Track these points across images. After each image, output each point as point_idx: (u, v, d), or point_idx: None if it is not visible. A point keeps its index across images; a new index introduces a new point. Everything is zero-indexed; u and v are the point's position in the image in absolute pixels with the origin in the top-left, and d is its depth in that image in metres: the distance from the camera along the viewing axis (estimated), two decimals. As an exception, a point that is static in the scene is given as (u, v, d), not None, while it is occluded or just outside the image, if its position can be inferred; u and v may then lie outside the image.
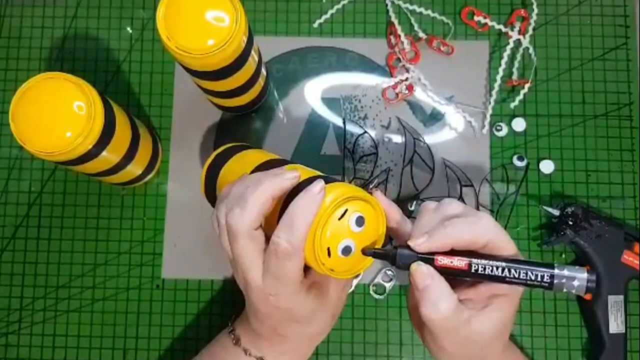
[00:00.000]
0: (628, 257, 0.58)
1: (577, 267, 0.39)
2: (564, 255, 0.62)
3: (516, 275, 0.39)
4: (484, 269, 0.40)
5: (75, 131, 0.48)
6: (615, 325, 0.58)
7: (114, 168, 0.55)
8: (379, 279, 0.61)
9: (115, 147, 0.52)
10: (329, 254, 0.41)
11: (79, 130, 0.48)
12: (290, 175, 0.43)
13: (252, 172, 0.48)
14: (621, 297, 0.58)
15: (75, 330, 0.61)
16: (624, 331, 0.58)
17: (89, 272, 0.62)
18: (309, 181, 0.42)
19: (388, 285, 0.61)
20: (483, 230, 0.40)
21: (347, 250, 0.41)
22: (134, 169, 0.59)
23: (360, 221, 0.41)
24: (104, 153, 0.51)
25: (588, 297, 0.59)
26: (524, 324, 0.60)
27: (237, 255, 0.43)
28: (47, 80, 0.49)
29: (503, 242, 0.41)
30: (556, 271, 0.39)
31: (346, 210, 0.41)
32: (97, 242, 0.63)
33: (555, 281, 0.39)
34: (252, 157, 0.53)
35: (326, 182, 0.42)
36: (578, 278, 0.39)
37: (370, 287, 0.61)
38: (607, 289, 0.58)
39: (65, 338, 0.61)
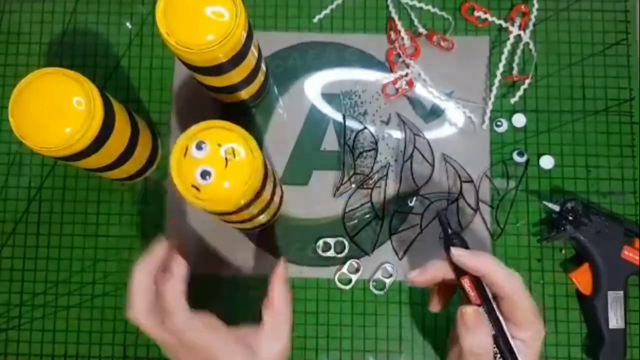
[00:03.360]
0: (628, 253, 0.58)
1: None
2: (564, 251, 0.62)
3: None
4: None
5: (75, 127, 0.48)
6: (615, 320, 0.58)
7: (113, 163, 0.55)
8: (378, 275, 0.61)
9: (114, 143, 0.52)
10: (199, 189, 0.45)
11: (78, 126, 0.48)
12: (155, 253, 0.49)
13: None
14: (621, 292, 0.58)
15: (75, 325, 0.61)
16: (623, 327, 0.58)
17: (89, 268, 0.62)
18: None
19: (388, 281, 0.61)
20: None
21: (206, 175, 0.45)
22: (134, 164, 0.59)
23: (200, 145, 0.45)
24: (103, 148, 0.51)
25: (588, 292, 0.59)
26: (523, 319, 0.60)
27: (160, 340, 0.46)
28: (46, 75, 0.49)
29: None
30: None
31: (188, 146, 0.46)
32: (97, 238, 0.63)
33: None
34: None
35: None
36: None
37: (370, 282, 0.61)
38: (607, 285, 0.58)
39: (66, 333, 0.61)
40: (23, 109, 0.48)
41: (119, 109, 0.53)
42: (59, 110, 0.48)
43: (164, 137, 0.64)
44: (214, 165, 0.46)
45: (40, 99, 0.48)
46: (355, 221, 0.62)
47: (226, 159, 0.46)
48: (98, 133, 0.49)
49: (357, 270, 0.61)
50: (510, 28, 0.64)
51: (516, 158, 0.63)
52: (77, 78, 0.49)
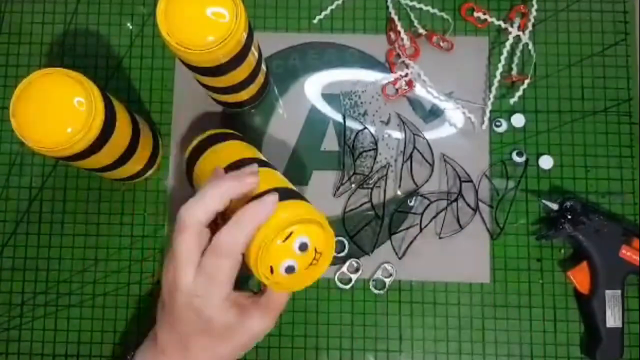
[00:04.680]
0: (626, 252, 0.58)
1: None
2: (562, 250, 0.62)
3: None
4: None
5: (76, 127, 0.48)
6: (612, 319, 0.58)
7: (114, 163, 0.55)
8: (378, 275, 0.62)
9: (115, 143, 0.53)
10: (272, 271, 0.44)
11: (79, 126, 0.48)
12: (248, 180, 0.44)
13: (225, 168, 0.50)
14: (618, 291, 0.58)
15: (76, 325, 0.62)
16: (620, 326, 0.58)
17: (90, 267, 0.62)
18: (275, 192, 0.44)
19: (388, 281, 0.61)
20: None
21: (290, 270, 0.44)
22: (135, 164, 0.59)
23: (303, 247, 0.43)
24: (104, 148, 0.51)
25: (586, 291, 0.59)
26: (523, 319, 0.61)
27: (177, 248, 0.44)
28: (47, 75, 0.49)
29: None
30: None
31: (292, 232, 0.43)
32: (98, 238, 0.63)
33: None
34: (228, 151, 0.54)
35: (288, 197, 0.45)
36: None
37: (370, 282, 0.61)
38: (605, 284, 0.58)
39: (67, 333, 0.62)
40: (24, 110, 0.48)
41: (120, 109, 0.53)
42: (60, 111, 0.48)
43: (165, 137, 0.64)
44: (300, 265, 0.44)
45: (41, 100, 0.49)
46: (355, 221, 0.63)
47: (312, 263, 0.45)
48: (99, 133, 0.49)
49: (357, 269, 0.62)
50: (510, 29, 0.65)
51: (515, 158, 0.63)
52: (78, 78, 0.49)
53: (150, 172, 0.63)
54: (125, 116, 0.54)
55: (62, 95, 0.49)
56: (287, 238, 0.43)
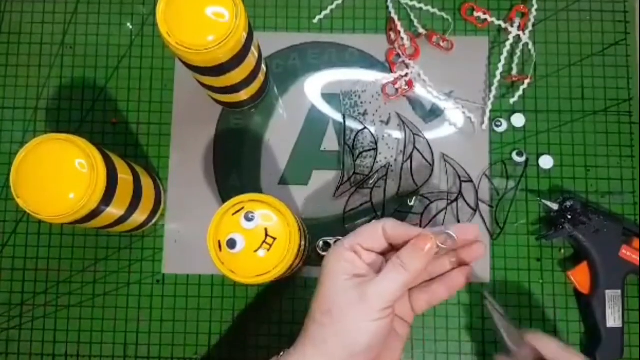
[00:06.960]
0: (626, 252, 0.58)
1: None
2: (562, 251, 0.62)
3: None
4: None
5: (82, 187, 0.47)
6: (612, 319, 0.58)
7: (121, 218, 0.54)
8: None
9: (120, 196, 0.51)
10: (220, 248, 0.47)
11: (85, 186, 0.47)
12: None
13: None
14: (619, 291, 0.58)
15: (76, 325, 0.62)
16: (620, 326, 0.58)
17: (90, 267, 0.62)
18: None
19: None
20: None
21: (231, 244, 0.46)
22: (139, 216, 0.58)
23: (249, 217, 0.46)
24: (112, 202, 0.50)
25: (586, 291, 0.59)
26: (523, 318, 0.61)
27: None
28: (41, 144, 0.47)
29: None
30: None
31: (242, 209, 0.47)
32: (98, 237, 0.63)
33: None
34: None
35: None
36: None
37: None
38: (605, 284, 0.58)
39: (66, 333, 0.61)
40: (26, 184, 0.47)
41: (117, 161, 0.52)
42: (64, 176, 0.47)
43: (165, 136, 0.64)
44: (246, 241, 0.46)
45: (42, 170, 0.47)
46: (356, 221, 0.63)
47: (263, 246, 0.47)
48: (105, 188, 0.48)
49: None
50: (510, 28, 0.65)
51: (515, 158, 0.63)
52: (72, 140, 0.48)
53: (155, 219, 0.62)
54: (124, 166, 0.53)
55: (61, 160, 0.47)
56: (236, 213, 0.47)
